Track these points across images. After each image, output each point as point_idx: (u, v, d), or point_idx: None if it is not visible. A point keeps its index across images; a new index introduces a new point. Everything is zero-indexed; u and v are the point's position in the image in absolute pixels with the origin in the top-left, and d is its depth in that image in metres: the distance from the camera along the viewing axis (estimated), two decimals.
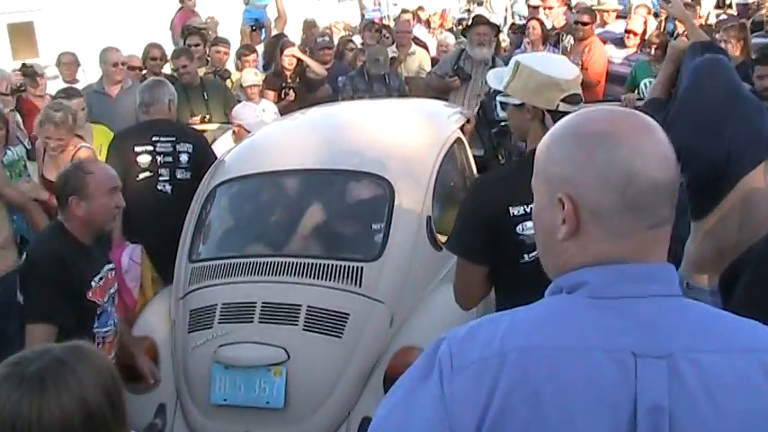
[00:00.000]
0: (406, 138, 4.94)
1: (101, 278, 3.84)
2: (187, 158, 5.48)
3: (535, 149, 3.20)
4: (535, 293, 1.53)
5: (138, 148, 5.46)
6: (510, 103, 3.28)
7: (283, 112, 7.92)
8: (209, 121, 7.46)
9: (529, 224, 2.84)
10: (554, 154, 1.52)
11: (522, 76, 3.21)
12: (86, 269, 3.77)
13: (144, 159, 5.45)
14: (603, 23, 9.53)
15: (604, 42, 8.94)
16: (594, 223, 1.45)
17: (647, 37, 8.57)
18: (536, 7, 11.90)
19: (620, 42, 8.89)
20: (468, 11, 25.05)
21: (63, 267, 3.66)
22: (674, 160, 1.49)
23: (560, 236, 1.47)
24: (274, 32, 10.83)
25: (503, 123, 4.02)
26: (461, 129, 5.40)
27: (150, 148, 5.46)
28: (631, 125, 1.48)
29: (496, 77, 3.45)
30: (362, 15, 23.09)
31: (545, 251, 1.56)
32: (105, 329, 3.85)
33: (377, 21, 18.36)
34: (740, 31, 7.66)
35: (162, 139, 5.49)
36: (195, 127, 6.94)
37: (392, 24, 13.40)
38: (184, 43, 8.98)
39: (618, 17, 9.74)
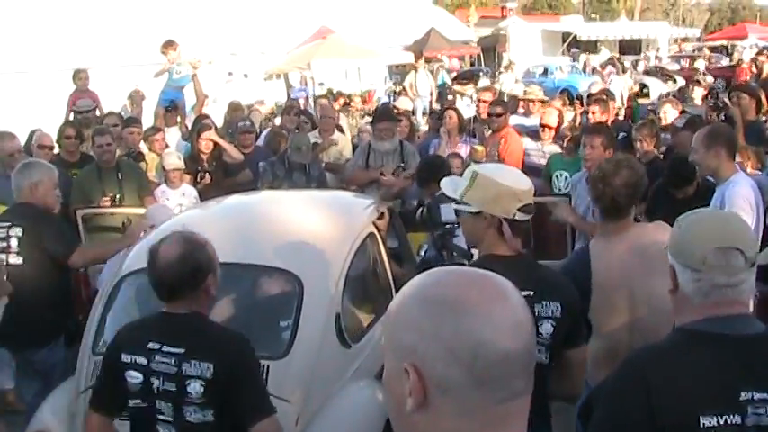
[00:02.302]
0: (319, 232, 4.94)
1: None
2: (17, 243, 5.44)
3: (487, 256, 3.25)
4: None
5: None
6: (465, 211, 3.37)
7: (202, 196, 7.89)
8: (120, 204, 7.34)
9: None
10: (401, 319, 1.43)
11: (479, 185, 3.32)
12: None
13: None
14: (529, 113, 9.80)
15: (520, 134, 9.15)
16: (442, 397, 1.36)
17: (560, 129, 8.82)
18: (461, 95, 12.23)
19: (535, 135, 9.12)
20: (395, 92, 25.54)
21: None
22: (530, 326, 1.42)
23: (408, 408, 1.38)
24: (190, 113, 10.88)
25: (447, 226, 4.16)
26: (376, 222, 5.46)
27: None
28: (482, 291, 1.40)
29: (451, 186, 3.55)
30: (288, 95, 23.34)
31: (396, 424, 1.46)
32: None
33: (302, 101, 18.59)
34: (652, 128, 7.97)
35: (2, 224, 5.50)
36: (103, 210, 6.89)
37: (312, 104, 13.54)
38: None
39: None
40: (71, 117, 10.66)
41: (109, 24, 31.24)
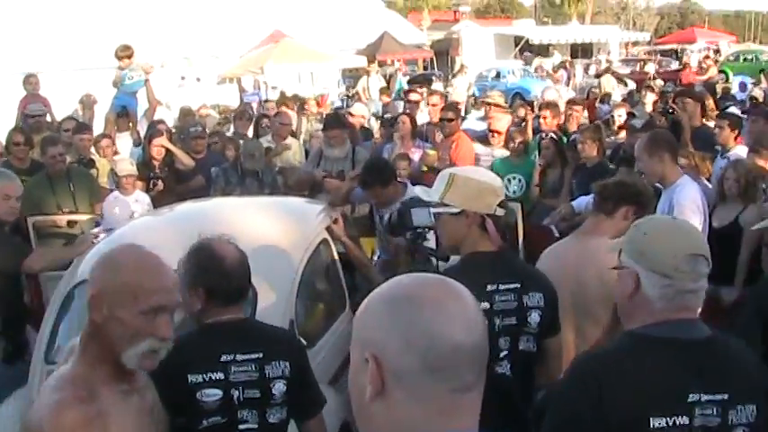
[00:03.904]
0: (272, 239, 4.95)
1: None
2: None
3: (473, 253, 3.29)
4: None
5: None
6: (445, 213, 3.45)
7: (155, 202, 7.85)
8: (72, 212, 7.29)
9: None
10: (366, 319, 1.55)
11: (458, 185, 3.42)
12: None
13: None
14: (489, 117, 9.89)
15: (472, 139, 9.23)
16: (397, 385, 1.47)
17: (510, 132, 8.92)
18: (416, 102, 12.27)
19: (484, 140, 9.20)
20: (348, 96, 25.56)
21: None
22: (482, 325, 1.52)
23: (367, 396, 1.48)
24: (142, 119, 10.82)
25: (418, 230, 4.25)
26: (333, 227, 5.49)
27: None
28: (439, 289, 1.52)
29: (426, 192, 3.68)
30: (241, 98, 23.26)
31: (357, 416, 1.57)
32: None
33: (255, 104, 18.52)
34: (595, 133, 8.10)
35: None
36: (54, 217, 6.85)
37: (262, 108, 13.50)
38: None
39: None
40: (21, 121, 10.53)
41: (60, 27, 30.88)
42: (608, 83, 19.85)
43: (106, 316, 2.45)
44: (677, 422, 2.43)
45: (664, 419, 2.43)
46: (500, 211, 3.45)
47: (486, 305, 3.34)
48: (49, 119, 10.92)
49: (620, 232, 3.80)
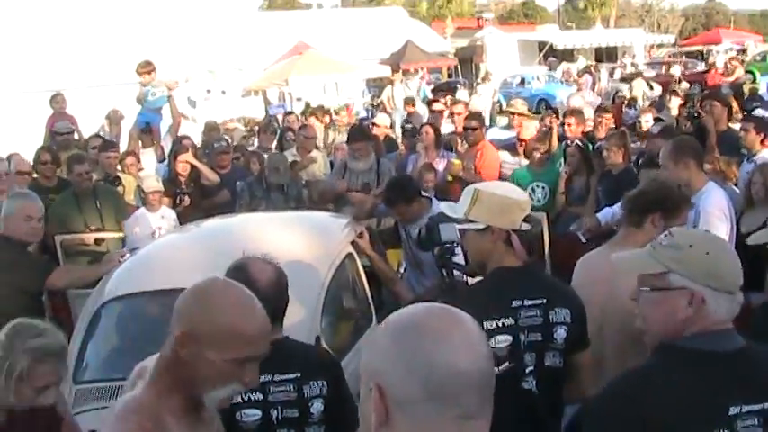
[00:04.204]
0: (297, 254, 4.95)
1: None
2: None
3: (498, 269, 3.26)
4: None
5: None
6: (470, 229, 3.46)
7: (182, 217, 7.89)
8: (99, 230, 7.36)
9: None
10: (370, 348, 1.58)
11: (483, 201, 3.43)
12: None
13: None
14: (514, 126, 9.86)
15: (497, 148, 9.21)
16: (401, 414, 1.48)
17: (530, 141, 8.89)
18: (440, 111, 12.28)
19: (512, 149, 9.17)
20: (373, 106, 25.63)
21: None
22: (486, 353, 1.53)
23: (372, 426, 1.51)
24: (165, 135, 10.87)
25: (447, 245, 4.26)
26: (358, 241, 5.49)
27: None
28: (441, 318, 1.54)
29: (450, 207, 3.66)
30: (267, 111, 23.39)
31: None
32: None
33: (280, 117, 18.60)
34: (620, 139, 8.05)
35: None
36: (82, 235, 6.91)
37: (291, 121, 13.54)
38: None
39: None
40: (49, 140, 10.64)
41: (85, 44, 31.26)
42: (638, 87, 19.74)
43: (195, 354, 2.32)
44: None
45: None
46: (525, 226, 3.45)
47: (511, 321, 3.34)
48: (76, 137, 11.04)
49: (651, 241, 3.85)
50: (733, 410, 2.43)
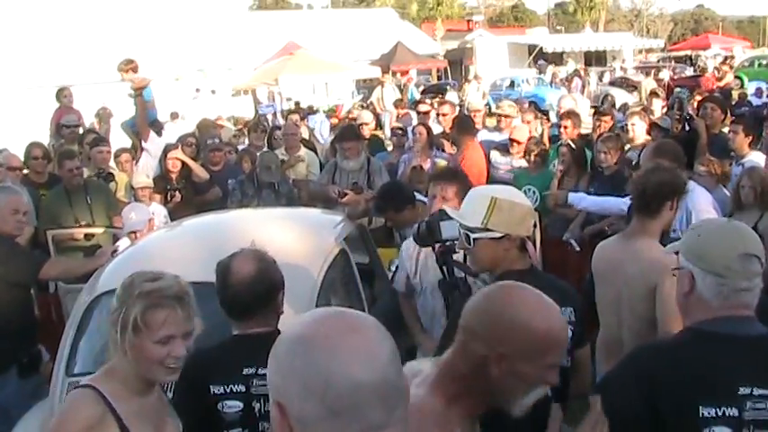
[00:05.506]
0: (290, 250, 4.96)
1: None
2: None
3: (507, 272, 3.33)
4: None
5: None
6: (486, 237, 3.47)
7: (173, 214, 7.89)
8: (90, 225, 7.36)
9: None
10: (272, 359, 1.49)
11: (503, 210, 3.44)
12: None
13: None
14: (499, 128, 9.90)
15: (484, 149, 9.19)
16: None
17: (528, 144, 8.90)
18: (426, 113, 12.30)
19: (504, 149, 9.17)
20: (362, 106, 25.64)
21: None
22: (387, 358, 1.42)
23: None
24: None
25: (447, 243, 4.26)
26: (347, 239, 5.51)
27: None
28: (333, 326, 1.45)
29: (460, 215, 3.63)
30: (256, 110, 23.35)
31: None
32: None
33: (270, 116, 18.60)
34: (616, 142, 8.09)
35: None
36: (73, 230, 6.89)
37: (280, 120, 13.51)
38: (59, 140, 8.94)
39: None
40: (55, 133, 10.57)
41: (76, 43, 31.15)
42: (617, 93, 19.89)
43: (507, 371, 2.20)
44: (726, 413, 2.50)
45: (713, 409, 2.51)
46: (532, 230, 3.57)
47: None
48: (81, 131, 10.98)
49: (670, 223, 4.20)
50: (743, 390, 2.52)
